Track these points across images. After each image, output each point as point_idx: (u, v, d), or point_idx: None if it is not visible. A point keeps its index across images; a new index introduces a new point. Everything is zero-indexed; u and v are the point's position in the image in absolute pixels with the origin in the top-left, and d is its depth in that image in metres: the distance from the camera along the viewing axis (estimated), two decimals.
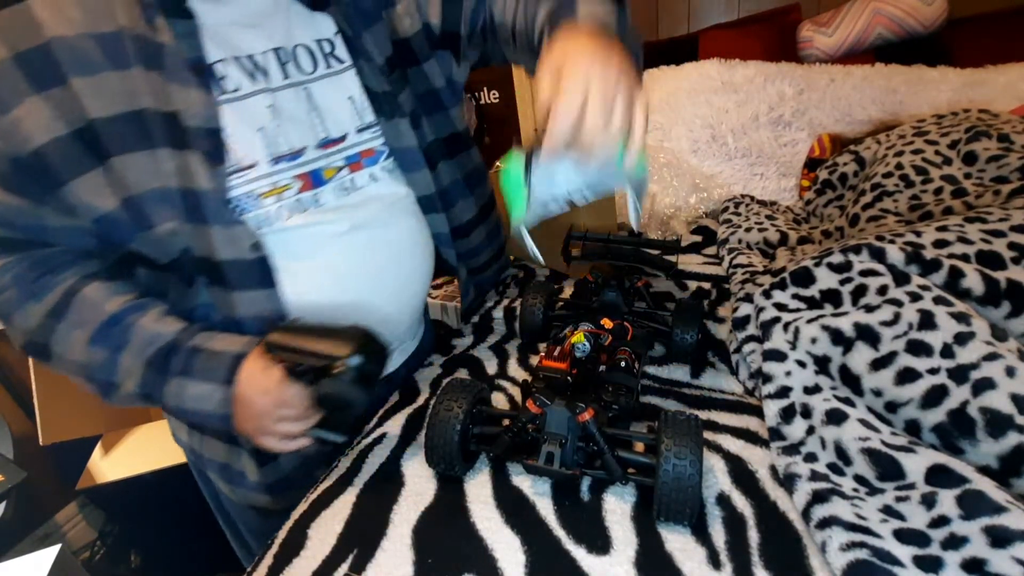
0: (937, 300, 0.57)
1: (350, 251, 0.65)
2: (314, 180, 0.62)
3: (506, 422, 0.58)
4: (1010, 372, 0.50)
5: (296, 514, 0.57)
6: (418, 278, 0.75)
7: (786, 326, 0.63)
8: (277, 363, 0.54)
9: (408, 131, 0.69)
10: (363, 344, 0.51)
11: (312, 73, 0.63)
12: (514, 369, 0.76)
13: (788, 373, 0.59)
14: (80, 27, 0.50)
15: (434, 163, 0.73)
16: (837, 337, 0.59)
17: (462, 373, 0.77)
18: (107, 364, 0.56)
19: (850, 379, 0.58)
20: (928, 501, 0.44)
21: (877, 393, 0.56)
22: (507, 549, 0.48)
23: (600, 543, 0.48)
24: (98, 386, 0.57)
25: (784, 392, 0.58)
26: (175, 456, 1.23)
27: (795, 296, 0.68)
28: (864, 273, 0.64)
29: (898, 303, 0.59)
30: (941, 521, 0.43)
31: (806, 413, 0.56)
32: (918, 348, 0.55)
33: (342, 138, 0.65)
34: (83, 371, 0.57)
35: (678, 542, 0.47)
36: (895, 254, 0.64)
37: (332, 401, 0.53)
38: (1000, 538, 0.40)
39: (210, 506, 0.83)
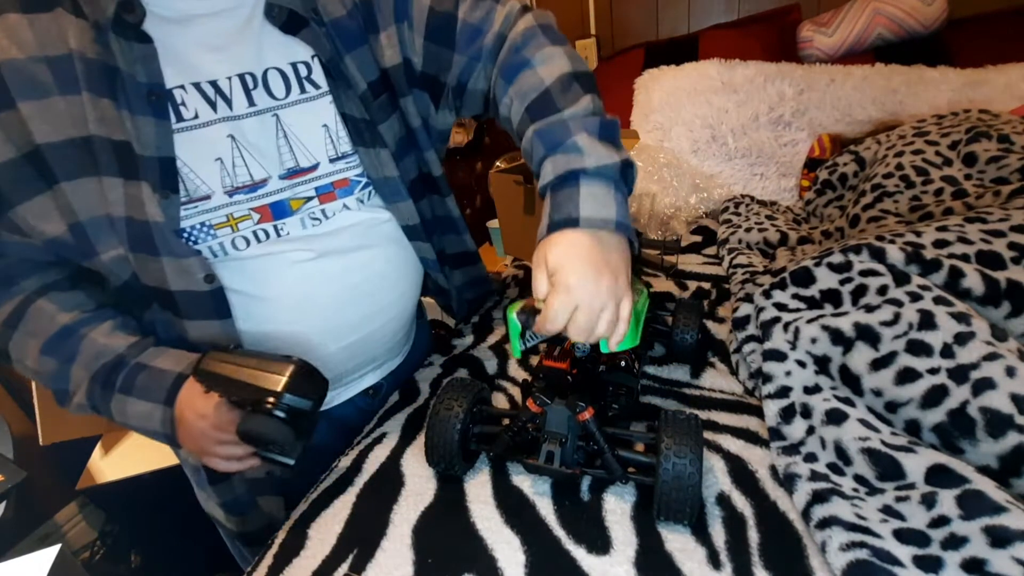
0: (937, 300, 0.57)
1: (313, 279, 0.62)
2: (275, 212, 0.60)
3: (506, 422, 0.58)
4: (1010, 372, 0.50)
5: (296, 514, 0.57)
6: (398, 300, 0.71)
7: (786, 326, 0.63)
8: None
9: (389, 161, 0.65)
10: (296, 380, 0.48)
11: (284, 98, 0.59)
12: (514, 369, 0.76)
13: (788, 373, 0.59)
14: (31, 50, 0.49)
15: (418, 195, 0.70)
16: (837, 337, 0.59)
17: (462, 373, 0.77)
18: (59, 374, 0.56)
19: (850, 379, 0.58)
20: (928, 501, 0.44)
21: (877, 393, 0.56)
22: (507, 549, 0.48)
23: (600, 543, 0.48)
24: (55, 393, 0.58)
25: (784, 392, 0.58)
26: (175, 456, 1.23)
27: (795, 296, 0.68)
28: (864, 273, 0.64)
29: (898, 303, 0.59)
30: (941, 521, 0.43)
31: (806, 413, 0.56)
32: (918, 348, 0.55)
33: (313, 167, 0.61)
34: (39, 377, 0.57)
35: (678, 542, 0.47)
36: (895, 254, 0.64)
37: (254, 437, 0.50)
38: (1000, 538, 0.40)
39: None
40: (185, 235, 0.56)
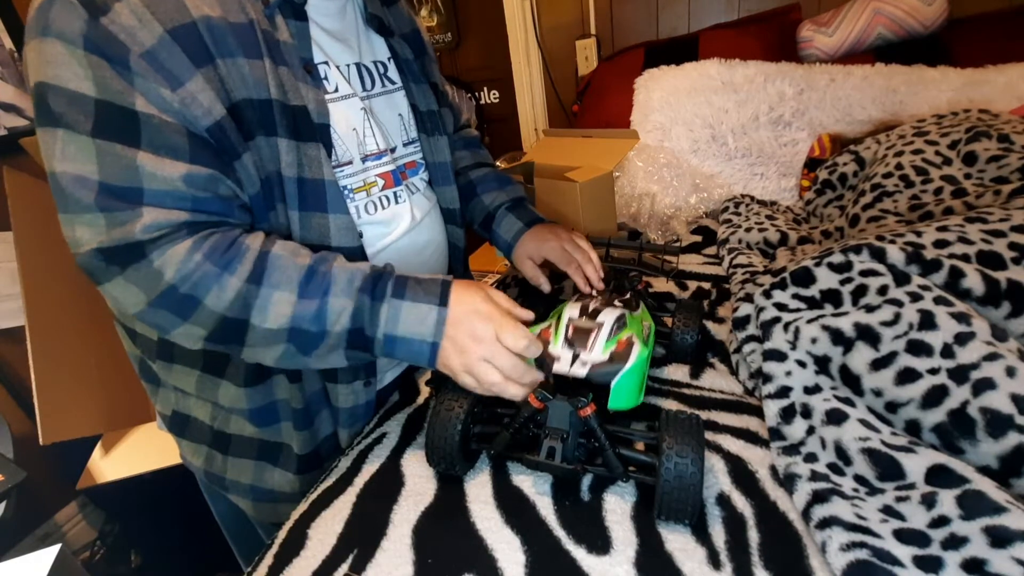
0: (937, 300, 0.57)
1: (403, 251, 0.70)
2: (395, 179, 0.70)
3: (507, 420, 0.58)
4: (1010, 372, 0.50)
5: (296, 514, 0.57)
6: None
7: (786, 326, 0.63)
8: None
9: (445, 147, 0.79)
10: None
11: (372, 89, 0.70)
12: None
13: (788, 373, 0.59)
14: (219, 12, 0.51)
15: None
16: (837, 337, 0.59)
17: None
18: (318, 312, 0.53)
19: (850, 379, 0.58)
20: (928, 501, 0.44)
21: (877, 393, 0.56)
22: (507, 549, 0.48)
23: (600, 543, 0.48)
24: (301, 343, 0.54)
25: (784, 392, 0.58)
26: (175, 456, 1.23)
27: (795, 296, 0.68)
28: (864, 273, 0.64)
29: (898, 303, 0.59)
30: (941, 521, 0.43)
31: (806, 413, 0.56)
32: (918, 348, 0.55)
33: (394, 149, 0.72)
34: (284, 335, 0.53)
35: (678, 542, 0.47)
36: (895, 254, 0.64)
37: None
38: (1000, 538, 0.40)
39: (217, 519, 0.83)
40: (346, 195, 0.62)
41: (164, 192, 0.49)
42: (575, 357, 0.56)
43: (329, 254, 0.57)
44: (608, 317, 0.62)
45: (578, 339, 0.59)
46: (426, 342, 0.54)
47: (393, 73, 0.74)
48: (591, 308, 0.64)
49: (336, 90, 0.63)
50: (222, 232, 0.53)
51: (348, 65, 0.66)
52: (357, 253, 0.62)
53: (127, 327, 0.66)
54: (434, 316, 0.54)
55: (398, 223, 0.70)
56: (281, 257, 0.54)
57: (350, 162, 0.64)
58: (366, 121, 0.66)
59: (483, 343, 0.53)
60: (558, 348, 0.58)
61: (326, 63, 0.62)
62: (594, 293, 0.73)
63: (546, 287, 0.81)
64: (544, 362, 0.58)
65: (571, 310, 0.64)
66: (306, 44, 0.59)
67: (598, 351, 0.58)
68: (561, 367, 0.57)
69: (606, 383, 0.55)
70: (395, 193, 0.69)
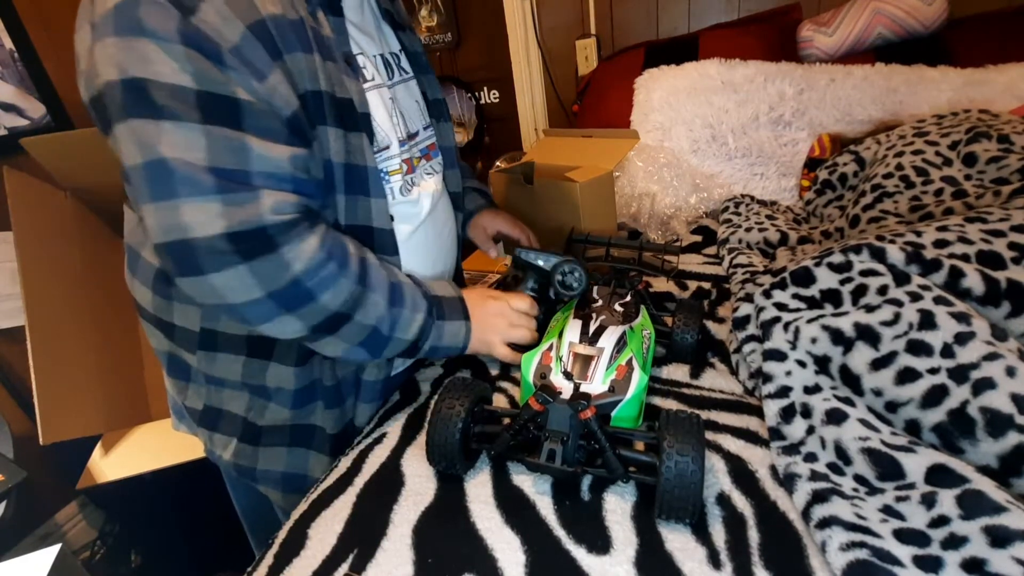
0: (937, 300, 0.57)
1: (428, 231, 0.75)
2: (412, 163, 0.74)
3: (507, 421, 0.58)
4: (1010, 372, 0.50)
5: (296, 514, 0.57)
6: (452, 265, 0.85)
7: (786, 326, 0.63)
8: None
9: (451, 132, 0.85)
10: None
11: (394, 79, 0.74)
12: (516, 370, 0.76)
13: (788, 373, 0.59)
14: (278, 10, 0.54)
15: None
16: (837, 337, 0.59)
17: (464, 373, 0.77)
18: (399, 320, 0.63)
19: (850, 379, 0.58)
20: (928, 501, 0.44)
21: (877, 393, 0.56)
22: (507, 549, 0.48)
23: (600, 543, 0.48)
24: (373, 344, 0.62)
25: (784, 392, 0.58)
26: (175, 456, 1.23)
27: (795, 296, 0.68)
28: (864, 273, 0.64)
29: (898, 303, 0.59)
30: (941, 521, 0.43)
31: (806, 413, 0.56)
32: (918, 348, 0.55)
33: (416, 134, 0.76)
34: (367, 331, 0.61)
35: (678, 542, 0.47)
36: (895, 254, 0.64)
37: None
38: (1000, 538, 0.40)
39: (239, 515, 0.84)
40: (384, 180, 0.67)
41: (269, 173, 0.52)
42: (575, 388, 0.57)
43: (391, 266, 0.65)
44: (608, 341, 0.61)
45: (578, 368, 0.59)
46: (457, 347, 0.69)
47: (405, 64, 0.78)
48: (592, 329, 0.64)
49: (372, 79, 0.67)
50: (329, 230, 0.58)
51: (375, 56, 0.70)
52: (390, 236, 0.67)
53: (164, 322, 0.67)
54: (464, 330, 0.69)
55: (422, 204, 0.74)
56: (373, 264, 0.62)
57: (388, 146, 0.68)
58: (392, 108, 0.70)
59: (502, 315, 0.70)
60: (559, 378, 0.59)
61: (361, 54, 0.66)
62: (595, 296, 0.73)
63: (493, 253, 0.97)
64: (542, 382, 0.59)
65: (572, 330, 0.63)
66: (344, 38, 0.62)
67: (598, 381, 0.58)
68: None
69: (606, 414, 0.57)
70: (412, 178, 0.73)
